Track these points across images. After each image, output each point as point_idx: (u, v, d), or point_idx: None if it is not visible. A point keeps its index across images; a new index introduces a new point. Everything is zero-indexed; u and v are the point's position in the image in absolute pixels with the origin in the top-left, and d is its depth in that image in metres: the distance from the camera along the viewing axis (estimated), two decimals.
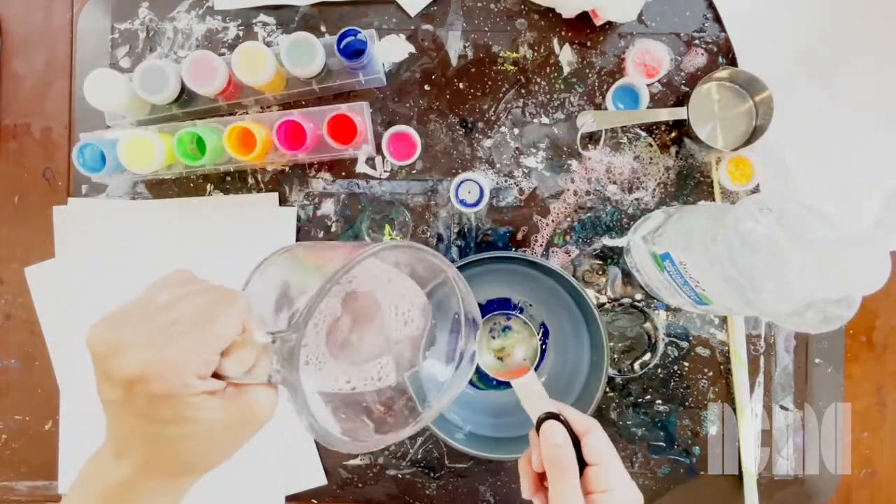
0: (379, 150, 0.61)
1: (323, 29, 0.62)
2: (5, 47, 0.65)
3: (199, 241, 0.62)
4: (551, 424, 0.40)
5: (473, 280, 0.61)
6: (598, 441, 0.40)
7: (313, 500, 0.61)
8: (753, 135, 0.60)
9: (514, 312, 0.54)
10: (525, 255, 0.58)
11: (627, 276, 0.62)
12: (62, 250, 0.63)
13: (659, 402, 0.62)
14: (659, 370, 0.62)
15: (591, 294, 0.61)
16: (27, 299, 0.63)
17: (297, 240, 0.62)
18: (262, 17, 0.62)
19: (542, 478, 0.42)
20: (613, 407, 0.61)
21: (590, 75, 0.62)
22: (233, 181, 0.62)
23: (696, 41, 0.62)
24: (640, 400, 0.61)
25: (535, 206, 0.62)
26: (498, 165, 0.62)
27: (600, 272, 0.62)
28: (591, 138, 0.62)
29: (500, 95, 0.62)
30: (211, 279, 0.35)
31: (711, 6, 0.62)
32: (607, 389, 0.60)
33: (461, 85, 0.62)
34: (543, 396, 0.44)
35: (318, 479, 0.61)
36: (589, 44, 0.62)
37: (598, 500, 0.38)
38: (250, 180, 0.62)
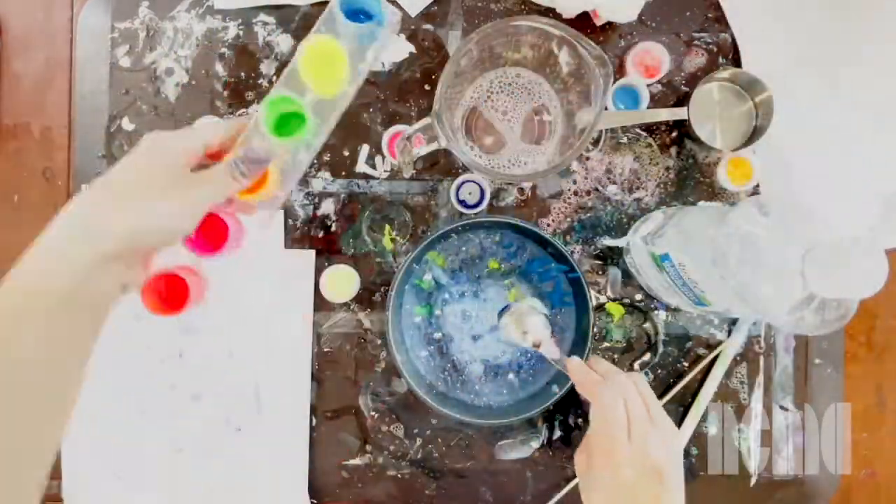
0: (379, 149, 0.61)
1: None
2: (5, 46, 0.65)
3: None
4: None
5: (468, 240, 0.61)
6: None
7: (313, 501, 0.61)
8: (753, 135, 0.60)
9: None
10: (528, 224, 0.58)
11: (627, 277, 0.62)
12: None
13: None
14: (659, 370, 0.62)
15: (590, 292, 0.61)
16: None
17: (295, 241, 0.62)
18: (263, 16, 0.62)
19: None
20: None
21: None
22: None
23: (697, 41, 0.62)
24: None
25: (535, 207, 0.62)
26: None
27: (600, 272, 0.62)
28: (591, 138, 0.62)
29: None
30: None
31: (712, 6, 0.62)
32: None
33: None
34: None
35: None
36: None
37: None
38: None
